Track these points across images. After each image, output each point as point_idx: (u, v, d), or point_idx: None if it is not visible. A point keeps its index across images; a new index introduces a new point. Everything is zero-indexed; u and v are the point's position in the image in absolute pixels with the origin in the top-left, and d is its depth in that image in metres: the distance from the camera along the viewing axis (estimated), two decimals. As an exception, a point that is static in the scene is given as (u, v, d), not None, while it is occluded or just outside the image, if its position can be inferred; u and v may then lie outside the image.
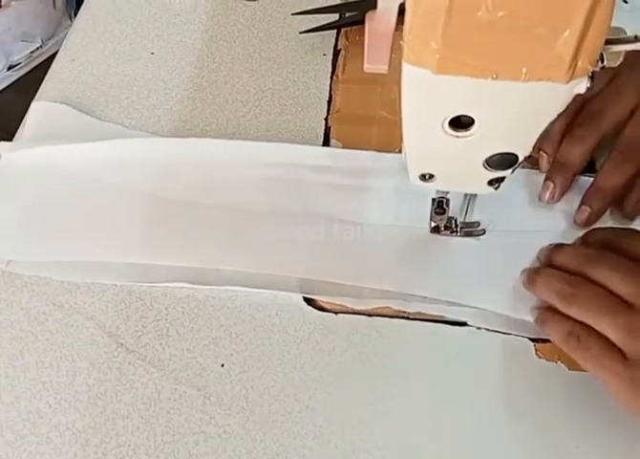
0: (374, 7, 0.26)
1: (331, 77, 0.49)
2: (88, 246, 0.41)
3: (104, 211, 0.42)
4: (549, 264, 0.37)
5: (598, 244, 0.37)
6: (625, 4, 0.50)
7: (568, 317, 0.34)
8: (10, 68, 1.08)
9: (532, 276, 0.37)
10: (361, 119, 0.46)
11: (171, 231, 0.41)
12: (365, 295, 0.38)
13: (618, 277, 0.33)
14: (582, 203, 0.40)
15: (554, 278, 0.35)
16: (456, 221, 0.39)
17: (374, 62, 0.26)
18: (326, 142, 0.45)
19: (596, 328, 0.32)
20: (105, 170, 0.43)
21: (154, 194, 0.42)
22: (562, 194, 0.40)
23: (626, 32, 0.26)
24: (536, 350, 0.37)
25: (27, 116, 0.46)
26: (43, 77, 0.49)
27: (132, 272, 0.39)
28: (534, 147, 0.29)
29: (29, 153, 0.43)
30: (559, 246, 0.38)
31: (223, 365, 0.36)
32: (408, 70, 0.25)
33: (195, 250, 0.40)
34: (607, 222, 0.40)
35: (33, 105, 0.47)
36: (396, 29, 0.26)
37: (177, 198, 0.42)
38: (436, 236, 0.40)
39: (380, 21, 0.25)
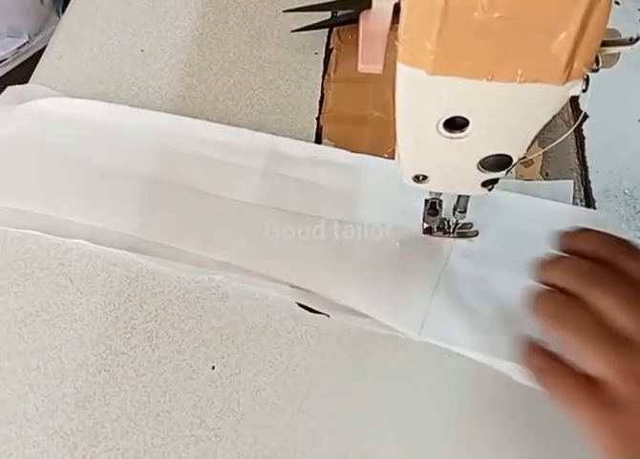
0: (367, 5, 0.26)
1: (323, 77, 0.48)
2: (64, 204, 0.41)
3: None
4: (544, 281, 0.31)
5: (594, 257, 0.30)
6: (617, 5, 0.50)
7: (568, 367, 0.29)
8: (-5, 63, 1.07)
9: (534, 301, 0.30)
10: (353, 118, 0.46)
11: (164, 210, 0.41)
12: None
13: (620, 306, 0.27)
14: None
15: (548, 302, 0.30)
16: (448, 222, 0.39)
17: (369, 62, 0.26)
18: (318, 142, 0.45)
19: (586, 359, 0.28)
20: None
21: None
22: None
23: (620, 34, 0.26)
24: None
25: None
26: (30, 73, 0.49)
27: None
28: (528, 149, 0.29)
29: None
30: (552, 260, 0.31)
31: (213, 368, 0.36)
32: (402, 70, 0.25)
33: (196, 240, 0.40)
34: None
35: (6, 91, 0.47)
36: (391, 28, 0.26)
37: (174, 179, 0.42)
38: (428, 237, 0.40)
39: (375, 21, 0.25)
